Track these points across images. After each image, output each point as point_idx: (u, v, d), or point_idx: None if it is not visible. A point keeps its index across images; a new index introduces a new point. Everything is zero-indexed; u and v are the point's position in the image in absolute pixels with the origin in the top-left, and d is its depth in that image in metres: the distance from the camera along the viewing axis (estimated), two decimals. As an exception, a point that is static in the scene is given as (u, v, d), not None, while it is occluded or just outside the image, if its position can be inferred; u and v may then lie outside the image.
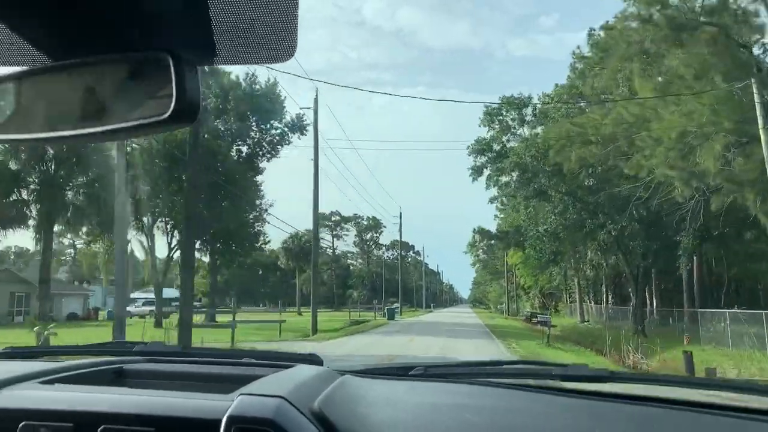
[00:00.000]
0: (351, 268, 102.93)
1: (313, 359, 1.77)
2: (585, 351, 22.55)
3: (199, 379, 1.55)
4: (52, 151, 18.37)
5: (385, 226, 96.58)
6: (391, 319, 45.96)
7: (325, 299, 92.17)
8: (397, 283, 74.50)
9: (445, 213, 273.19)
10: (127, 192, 15.23)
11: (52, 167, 18.87)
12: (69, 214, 18.75)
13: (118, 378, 1.59)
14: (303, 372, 1.48)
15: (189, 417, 1.11)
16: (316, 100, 30.48)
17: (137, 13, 0.70)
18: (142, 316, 48.60)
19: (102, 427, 1.09)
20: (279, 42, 0.73)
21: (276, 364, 1.65)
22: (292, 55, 0.75)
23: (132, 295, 73.13)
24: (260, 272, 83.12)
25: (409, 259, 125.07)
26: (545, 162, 25.49)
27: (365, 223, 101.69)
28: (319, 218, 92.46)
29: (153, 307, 59.70)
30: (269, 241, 38.84)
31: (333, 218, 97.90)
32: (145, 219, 34.93)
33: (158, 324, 33.62)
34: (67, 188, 19.49)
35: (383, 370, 1.74)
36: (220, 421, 1.07)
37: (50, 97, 0.77)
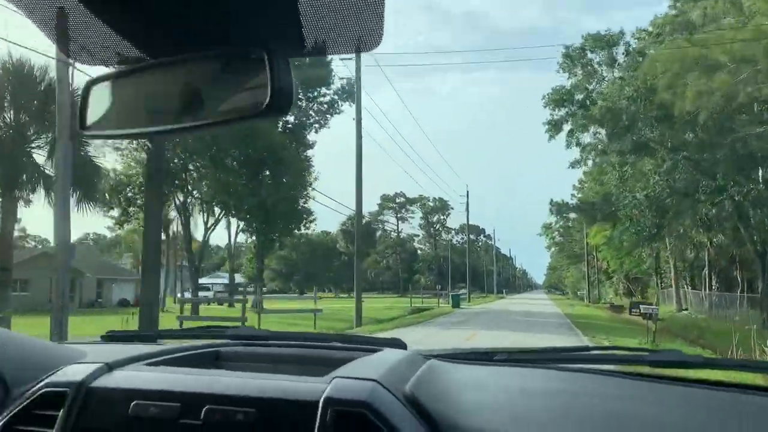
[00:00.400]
0: (419, 252, 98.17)
1: (396, 343, 1.74)
2: (704, 352, 16.99)
3: (291, 362, 1.60)
4: (8, 97, 14.77)
5: (452, 208, 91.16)
6: (456, 307, 40.99)
7: (391, 284, 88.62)
8: (466, 267, 69.46)
9: (518, 195, 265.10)
10: (72, 141, 11.07)
11: (10, 116, 15.24)
12: (24, 178, 14.95)
13: (216, 361, 1.63)
14: (391, 356, 1.50)
15: (287, 399, 1.14)
16: (357, 51, 25.92)
17: (231, 10, 0.73)
18: (220, 302, 46.19)
19: (206, 407, 1.14)
20: (366, 31, 0.76)
21: (362, 348, 1.67)
22: (379, 44, 0.76)
23: (202, 280, 72.06)
24: (340, 256, 79.82)
25: (480, 244, 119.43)
26: (647, 105, 19.73)
27: (431, 204, 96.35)
28: (381, 199, 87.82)
29: (208, 293, 57.75)
30: (314, 219, 34.71)
31: (397, 200, 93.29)
32: (180, 197, 31.59)
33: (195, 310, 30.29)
34: (32, 146, 15.84)
35: (466, 354, 1.71)
36: (316, 402, 1.11)
37: (150, 93, 0.81)
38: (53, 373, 1.28)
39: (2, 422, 1.19)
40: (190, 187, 31.34)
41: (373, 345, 1.72)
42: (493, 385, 1.40)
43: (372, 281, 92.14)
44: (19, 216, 17.11)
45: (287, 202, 31.79)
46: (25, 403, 1.21)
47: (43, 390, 1.23)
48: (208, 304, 50.02)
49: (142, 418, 1.15)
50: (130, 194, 32.09)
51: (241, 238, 42.29)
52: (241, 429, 1.12)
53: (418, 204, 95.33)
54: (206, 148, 29.90)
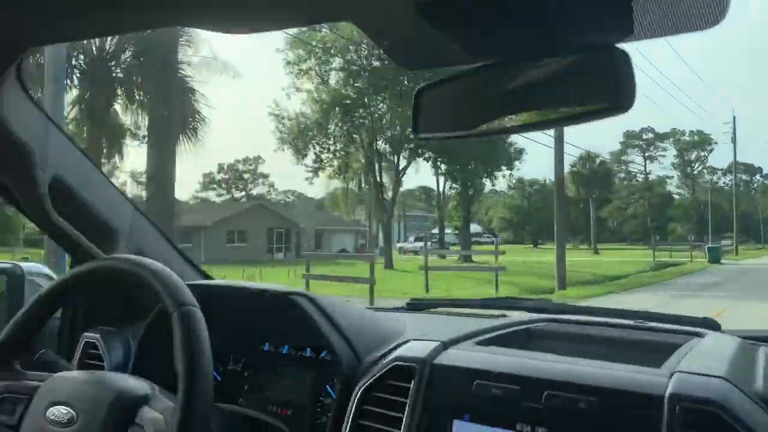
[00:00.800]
0: (675, 197, 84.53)
1: (708, 323, 1.56)
2: None
3: (603, 343, 1.53)
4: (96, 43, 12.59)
5: (715, 142, 75.80)
6: (715, 263, 32.19)
7: (642, 234, 77.99)
8: (733, 213, 56.91)
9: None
10: (63, 79, 7.94)
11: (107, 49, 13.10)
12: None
13: (530, 340, 1.61)
14: (723, 345, 1.36)
15: (629, 390, 1.10)
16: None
17: (561, 7, 0.72)
18: (416, 251, 44.46)
19: (546, 392, 1.13)
20: (710, 3, 0.68)
21: (676, 330, 1.54)
22: (724, 16, 0.68)
23: (434, 230, 71.05)
24: (576, 203, 72.71)
25: (756, 185, 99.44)
26: None
27: (687, 139, 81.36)
28: (624, 136, 77.02)
29: (421, 244, 55.58)
30: (518, 159, 29.07)
31: (644, 136, 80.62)
32: (364, 136, 28.56)
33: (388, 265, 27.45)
34: (110, 64, 13.54)
35: None
36: (660, 397, 1.07)
37: (479, 95, 0.84)
38: (398, 347, 1.39)
39: (362, 388, 1.31)
40: (375, 125, 28.08)
41: (684, 325, 1.57)
42: None
43: (615, 231, 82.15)
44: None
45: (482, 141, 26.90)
46: (379, 374, 1.31)
47: (395, 363, 1.32)
48: (417, 253, 47.89)
49: (484, 397, 1.19)
50: (320, 139, 30.18)
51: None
52: (583, 417, 1.10)
53: (671, 140, 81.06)
54: (394, 81, 26.35)
